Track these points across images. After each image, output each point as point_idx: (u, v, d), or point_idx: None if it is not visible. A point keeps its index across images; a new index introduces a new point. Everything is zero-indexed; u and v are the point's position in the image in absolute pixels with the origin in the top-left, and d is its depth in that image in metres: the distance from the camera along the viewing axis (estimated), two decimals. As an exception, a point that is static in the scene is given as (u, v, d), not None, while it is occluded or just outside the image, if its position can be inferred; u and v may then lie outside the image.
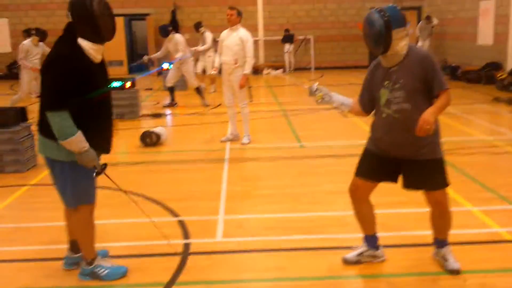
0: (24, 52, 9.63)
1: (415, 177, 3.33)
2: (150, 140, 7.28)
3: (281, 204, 4.87)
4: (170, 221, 4.48)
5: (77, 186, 3.25)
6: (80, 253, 3.53)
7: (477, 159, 6.17)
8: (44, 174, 6.03)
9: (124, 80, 9.49)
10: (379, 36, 3.11)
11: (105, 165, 3.30)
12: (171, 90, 10.95)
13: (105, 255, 3.67)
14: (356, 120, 8.82)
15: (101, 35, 3.14)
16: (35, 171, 6.18)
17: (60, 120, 3.04)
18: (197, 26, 12.29)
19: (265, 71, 18.20)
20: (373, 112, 3.45)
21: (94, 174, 3.25)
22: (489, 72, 13.92)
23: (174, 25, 18.27)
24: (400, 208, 4.63)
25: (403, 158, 3.30)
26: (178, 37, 10.63)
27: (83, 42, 3.12)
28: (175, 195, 5.18)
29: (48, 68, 3.11)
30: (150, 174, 6.03)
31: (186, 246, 3.97)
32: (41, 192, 5.51)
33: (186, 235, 4.18)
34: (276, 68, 18.50)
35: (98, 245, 3.58)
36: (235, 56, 6.93)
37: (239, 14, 7.00)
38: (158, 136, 7.31)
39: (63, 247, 3.75)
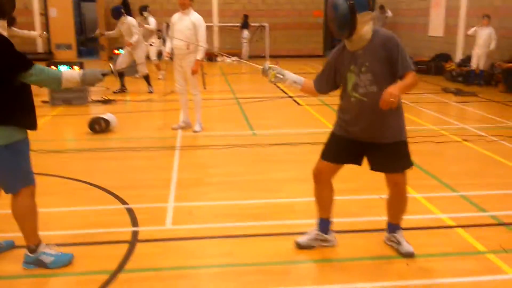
0: None
1: (381, 159, 3.39)
2: (99, 126, 7.10)
3: (232, 192, 4.87)
4: (118, 209, 4.40)
5: (17, 168, 3.16)
6: None
7: (423, 148, 6.35)
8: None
9: (71, 64, 9.19)
10: (344, 20, 3.09)
11: (112, 67, 3.55)
12: (121, 75, 10.64)
13: (11, 245, 3.60)
14: (308, 108, 8.93)
15: (2, 10, 3.10)
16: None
17: (43, 73, 3.10)
18: (142, 9, 12.03)
19: (219, 58, 18.06)
20: (339, 96, 3.47)
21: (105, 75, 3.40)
22: (438, 63, 14.34)
23: (125, 8, 17.90)
24: (351, 195, 4.71)
25: (369, 141, 3.35)
26: (130, 19, 10.35)
27: None
28: (124, 182, 5.09)
29: None
30: (99, 162, 5.89)
31: (134, 233, 3.91)
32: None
33: (134, 223, 4.11)
34: (231, 55, 18.39)
35: (43, 233, 3.47)
36: (187, 40, 6.81)
37: (192, -3, 6.87)
38: (107, 123, 7.14)
39: (12, 235, 3.66)
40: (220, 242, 3.82)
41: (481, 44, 11.61)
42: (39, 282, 3.27)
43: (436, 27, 15.37)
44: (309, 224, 3.87)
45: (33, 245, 3.32)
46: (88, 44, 21.49)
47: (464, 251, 3.68)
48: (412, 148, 3.50)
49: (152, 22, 12.01)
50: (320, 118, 8.10)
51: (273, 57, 18.87)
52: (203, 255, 3.61)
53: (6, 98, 3.03)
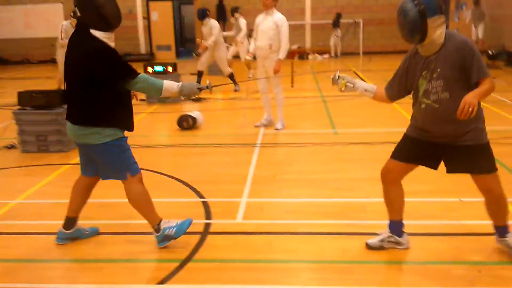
0: (64, 32, 9.84)
1: (458, 161, 3.27)
2: (187, 123, 7.47)
3: (305, 189, 4.93)
4: (195, 202, 4.64)
5: (123, 159, 3.53)
6: (72, 230, 3.80)
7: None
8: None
9: (166, 65, 9.73)
10: (414, 26, 3.03)
11: (209, 83, 3.74)
12: (200, 74, 10.95)
13: (95, 232, 3.96)
14: (397, 107, 8.69)
15: (108, 23, 3.37)
16: (76, 151, 6.48)
17: (147, 82, 3.46)
18: (233, 11, 12.33)
19: (310, 56, 18.06)
20: (411, 102, 3.42)
21: (208, 90, 3.74)
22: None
23: (220, 9, 18.51)
24: (428, 197, 4.58)
25: (445, 144, 3.26)
26: (212, 22, 10.66)
27: (96, 33, 3.36)
28: (203, 177, 5.33)
29: (100, 58, 3.33)
30: (183, 157, 6.22)
31: (207, 226, 4.11)
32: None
33: (208, 215, 4.31)
34: (322, 53, 18.33)
35: (119, 222, 3.77)
36: (270, 41, 6.95)
37: (275, -2, 6.99)
38: (194, 120, 7.49)
39: (97, 222, 4.07)
40: (287, 238, 3.90)
41: None
42: (117, 267, 3.57)
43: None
44: (380, 225, 3.83)
45: (156, 225, 3.67)
46: (186, 45, 22.51)
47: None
48: (504, 150, 3.34)
49: (242, 23, 12.30)
50: (408, 117, 7.83)
51: (367, 53, 18.57)
52: (269, 250, 3.70)
53: (113, 103, 3.42)
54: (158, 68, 9.72)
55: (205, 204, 4.54)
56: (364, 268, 3.45)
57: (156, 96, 3.62)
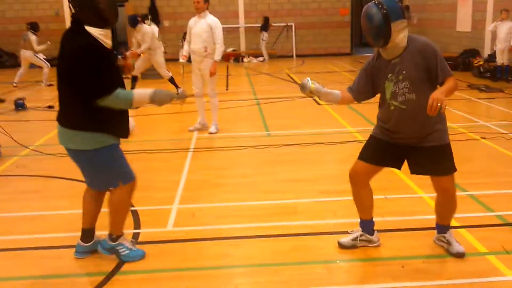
0: None
1: (423, 163, 3.35)
2: (117, 129, 7.27)
3: (237, 193, 4.92)
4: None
5: (113, 167, 3.39)
6: (91, 243, 3.63)
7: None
8: (4, 166, 6.04)
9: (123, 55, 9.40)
10: (379, 29, 3.10)
11: (182, 91, 3.51)
12: (134, 79, 10.70)
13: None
14: (327, 108, 8.89)
15: (105, 19, 3.18)
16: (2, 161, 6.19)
17: (115, 98, 3.16)
18: (143, 18, 11.90)
19: (246, 59, 18.14)
20: (378, 104, 3.48)
21: (179, 98, 3.45)
22: (466, 59, 13.99)
23: (153, 12, 18.21)
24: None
25: (410, 145, 3.33)
26: (145, 28, 10.38)
27: (91, 30, 3.15)
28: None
29: (79, 60, 3.11)
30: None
31: (135, 235, 4.01)
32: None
33: (137, 224, 4.21)
34: (257, 56, 18.46)
35: (62, 235, 3.67)
36: (204, 43, 6.90)
37: (206, 0, 6.95)
38: (125, 126, 7.30)
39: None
40: (217, 244, 3.87)
41: (502, 39, 11.35)
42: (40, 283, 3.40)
43: (463, 22, 15.01)
44: (311, 225, 3.94)
45: (115, 235, 3.52)
46: (119, 49, 21.93)
47: (470, 252, 3.61)
48: None
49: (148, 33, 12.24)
50: (338, 118, 8.04)
51: (300, 56, 18.88)
52: (199, 256, 3.66)
53: (101, 109, 3.17)
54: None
55: (134, 213, 4.43)
56: (292, 269, 3.48)
57: (126, 109, 3.32)
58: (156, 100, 3.32)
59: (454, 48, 15.14)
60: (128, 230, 4.05)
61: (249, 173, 5.54)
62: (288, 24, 18.90)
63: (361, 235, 3.68)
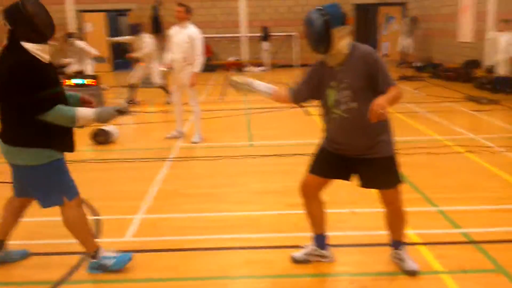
0: None
1: (368, 176, 3.30)
2: (100, 138, 7.29)
3: (204, 204, 4.87)
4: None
5: (62, 182, 3.34)
6: (3, 252, 3.59)
7: (417, 159, 6.15)
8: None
9: (86, 77, 9.50)
10: (319, 35, 3.07)
11: (125, 105, 3.40)
12: (133, 87, 10.85)
13: (25, 254, 3.77)
14: (316, 119, 8.81)
15: (41, 34, 3.15)
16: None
17: (56, 115, 3.15)
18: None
19: (246, 68, 18.14)
20: (322, 113, 3.42)
21: (122, 114, 3.38)
22: (467, 70, 13.84)
23: (155, 21, 18.33)
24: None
25: (355, 156, 3.28)
26: (146, 37, 10.55)
27: (27, 45, 3.12)
28: (103, 194, 5.19)
29: (14, 77, 3.09)
30: (88, 173, 6.00)
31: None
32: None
33: (96, 233, 4.18)
34: (259, 66, 18.46)
35: (16, 243, 3.68)
36: (184, 54, 6.92)
37: (188, 11, 6.98)
38: (108, 134, 7.32)
39: None
40: (169, 255, 3.82)
41: (501, 50, 11.18)
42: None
43: (464, 32, 14.88)
44: (270, 237, 3.94)
45: (93, 252, 3.48)
46: (124, 57, 22.15)
47: (425, 271, 3.51)
48: (405, 160, 3.44)
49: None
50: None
51: (303, 65, 18.82)
52: (148, 268, 3.61)
53: (44, 125, 3.16)
54: (77, 81, 9.46)
55: (97, 222, 4.41)
56: (239, 283, 3.42)
57: (70, 126, 3.31)
58: (101, 118, 3.32)
59: (456, 59, 15.00)
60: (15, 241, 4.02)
61: (221, 184, 5.49)
62: (290, 33, 18.87)
63: (314, 250, 3.61)
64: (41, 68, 3.17)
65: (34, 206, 3.56)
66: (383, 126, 3.21)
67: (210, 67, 18.82)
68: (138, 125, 8.97)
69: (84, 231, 3.49)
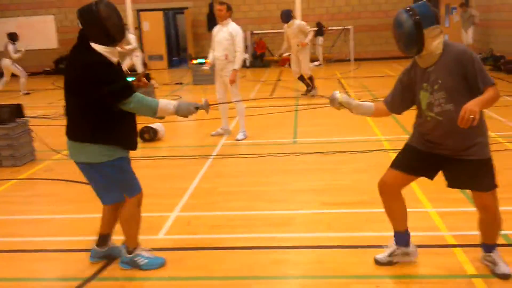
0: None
1: (460, 176, 3.18)
2: (148, 135, 7.48)
3: (240, 202, 4.89)
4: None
5: (121, 181, 3.47)
6: (107, 247, 3.75)
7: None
8: (35, 169, 6.38)
9: (137, 75, 9.75)
10: (410, 37, 2.97)
11: (205, 101, 3.53)
12: (302, 78, 11.21)
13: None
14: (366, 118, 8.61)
15: (111, 37, 3.22)
16: (30, 166, 6.54)
17: (139, 103, 3.26)
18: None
19: (301, 63, 17.99)
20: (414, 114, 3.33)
21: (202, 109, 3.47)
22: (534, 64, 13.06)
23: (211, 19, 18.56)
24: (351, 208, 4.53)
25: (447, 156, 3.16)
26: (299, 22, 10.86)
27: (96, 47, 3.23)
28: (145, 191, 5.27)
29: (90, 74, 3.18)
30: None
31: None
32: (24, 186, 5.82)
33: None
34: (313, 61, 18.26)
35: (60, 239, 3.84)
36: (225, 51, 6.97)
37: (229, 9, 7.02)
38: (155, 132, 7.50)
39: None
40: (199, 254, 3.85)
41: None
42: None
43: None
44: (304, 237, 3.93)
45: (132, 248, 3.63)
46: (180, 54, 22.68)
47: (453, 274, 3.38)
48: None
49: (132, 37, 13.01)
50: (373, 126, 7.78)
51: (358, 60, 18.49)
52: (178, 266, 3.66)
53: (110, 121, 3.27)
54: (130, 79, 9.74)
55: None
56: (264, 284, 3.41)
57: (150, 116, 3.41)
58: (180, 111, 3.40)
59: (523, 51, 14.19)
60: (119, 237, 4.15)
61: (258, 182, 5.48)
62: (346, 27, 18.55)
63: (396, 249, 3.48)
64: (112, 66, 3.26)
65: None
66: (480, 128, 3.06)
67: (264, 63, 18.91)
68: (185, 123, 9.10)
69: (135, 228, 3.60)
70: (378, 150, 6.29)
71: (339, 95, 3.34)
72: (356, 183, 5.24)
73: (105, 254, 3.75)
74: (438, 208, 4.47)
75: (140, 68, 13.49)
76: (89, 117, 3.25)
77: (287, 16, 10.55)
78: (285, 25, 10.65)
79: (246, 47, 18.69)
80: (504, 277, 3.25)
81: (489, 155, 3.13)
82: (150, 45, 19.13)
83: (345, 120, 8.54)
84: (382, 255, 3.52)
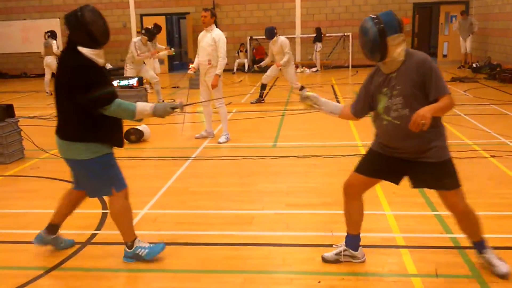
0: (139, 49, 10.75)
1: (422, 178, 3.33)
2: (133, 137, 7.72)
3: (208, 201, 5.10)
4: (95, 213, 4.85)
5: (107, 176, 3.66)
6: (54, 235, 3.97)
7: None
8: (22, 167, 6.63)
9: (130, 78, 10.01)
10: (374, 44, 3.11)
11: (180, 102, 3.78)
12: (263, 87, 11.55)
13: (71, 244, 4.11)
14: (349, 122, 8.78)
15: (96, 40, 3.43)
16: (18, 163, 6.79)
17: (118, 108, 3.48)
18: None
19: (299, 69, 18.20)
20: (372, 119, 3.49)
21: (177, 108, 3.70)
22: (528, 72, 13.14)
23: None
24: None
25: (408, 159, 3.30)
26: (283, 39, 10.99)
27: (83, 50, 3.42)
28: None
29: (78, 78, 3.39)
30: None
31: (91, 236, 4.31)
32: (8, 182, 6.07)
33: (99, 226, 4.52)
34: (311, 67, 18.48)
35: (36, 232, 4.01)
36: (209, 56, 7.21)
37: (213, 15, 7.27)
38: (140, 133, 7.73)
39: None
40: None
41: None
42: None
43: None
44: (262, 236, 4.09)
45: (130, 242, 3.83)
46: (182, 59, 22.96)
47: (394, 273, 3.55)
48: None
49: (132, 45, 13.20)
50: (354, 131, 7.96)
51: (356, 66, 18.64)
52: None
53: (97, 121, 3.48)
54: (123, 82, 9.98)
55: (103, 215, 4.75)
56: (211, 277, 3.60)
57: (129, 119, 3.64)
58: (158, 112, 3.64)
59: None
60: (87, 231, 4.39)
61: (230, 183, 5.69)
62: (345, 34, 18.73)
63: (345, 250, 3.65)
64: (98, 70, 3.50)
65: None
66: (436, 132, 3.21)
67: (262, 68, 19.05)
68: (171, 125, 9.28)
69: (127, 222, 3.80)
70: (352, 155, 6.45)
71: (307, 92, 3.56)
72: (324, 186, 5.42)
73: (49, 242, 3.95)
74: (395, 211, 4.64)
75: (158, 68, 13.99)
76: (77, 118, 3.48)
77: (270, 33, 10.80)
78: (270, 41, 10.88)
79: (246, 51, 18.98)
80: (504, 277, 3.34)
81: (448, 157, 3.26)
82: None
83: (328, 125, 8.74)
84: (329, 253, 3.70)
